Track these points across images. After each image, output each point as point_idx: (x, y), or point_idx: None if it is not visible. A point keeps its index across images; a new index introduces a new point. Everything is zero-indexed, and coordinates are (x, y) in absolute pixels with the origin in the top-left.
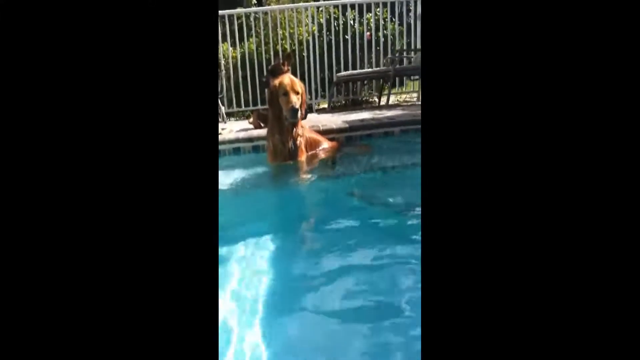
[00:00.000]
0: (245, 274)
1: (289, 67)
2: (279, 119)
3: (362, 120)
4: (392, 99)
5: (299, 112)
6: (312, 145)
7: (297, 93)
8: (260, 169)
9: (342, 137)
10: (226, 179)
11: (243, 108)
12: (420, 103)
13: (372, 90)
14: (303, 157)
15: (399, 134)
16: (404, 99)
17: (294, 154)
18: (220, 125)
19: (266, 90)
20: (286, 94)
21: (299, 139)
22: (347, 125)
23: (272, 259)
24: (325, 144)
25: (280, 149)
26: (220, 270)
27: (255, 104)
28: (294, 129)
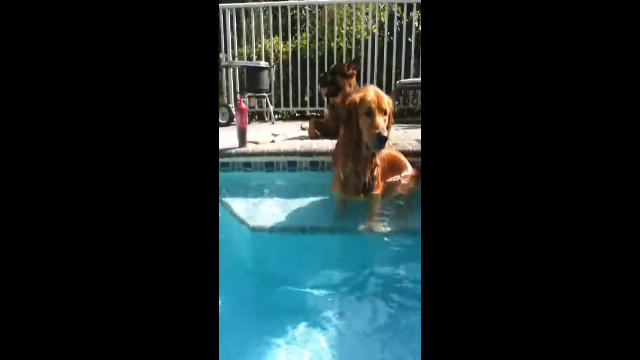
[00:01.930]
0: None
1: (355, 72)
2: (356, 144)
3: None
4: None
5: (387, 139)
6: (393, 168)
7: (385, 113)
8: (319, 199)
9: (419, 163)
10: (273, 208)
11: (291, 107)
12: None
13: None
14: (379, 189)
15: None
16: None
17: (369, 188)
18: (270, 128)
19: (329, 99)
20: (370, 114)
21: (377, 169)
22: None
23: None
24: (409, 169)
25: (353, 182)
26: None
27: (304, 104)
28: (374, 158)
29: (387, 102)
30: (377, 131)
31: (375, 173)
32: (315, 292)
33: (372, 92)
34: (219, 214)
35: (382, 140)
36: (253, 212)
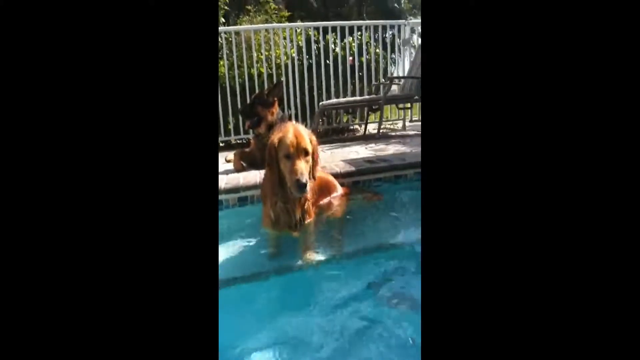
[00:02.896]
0: None
1: (276, 99)
2: (281, 185)
3: (368, 160)
4: (371, 128)
5: (308, 184)
6: (322, 191)
7: (307, 154)
8: (250, 240)
9: (349, 182)
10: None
11: None
12: (409, 132)
13: (356, 118)
14: (311, 217)
15: (412, 177)
16: (388, 127)
17: (300, 223)
18: None
19: (252, 132)
20: (290, 157)
21: (307, 203)
22: (352, 169)
23: None
24: (339, 190)
25: (284, 219)
26: None
27: (227, 133)
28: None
29: (309, 140)
30: (296, 178)
31: (306, 207)
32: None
33: (291, 132)
34: None
35: (301, 187)
36: None
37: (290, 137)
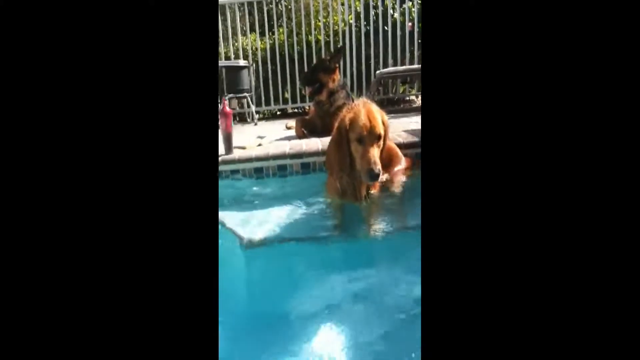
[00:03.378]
0: None
1: (337, 66)
2: (350, 165)
3: None
4: None
5: (380, 173)
6: (390, 161)
7: (379, 139)
8: (316, 205)
9: (412, 153)
10: (267, 218)
11: (272, 106)
12: None
13: (414, 88)
14: (377, 190)
15: None
16: None
17: (366, 196)
18: (254, 130)
19: (312, 100)
20: (362, 141)
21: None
22: (416, 139)
23: None
24: (403, 162)
25: (350, 193)
26: None
27: (285, 101)
28: None
29: (381, 122)
30: (368, 167)
31: (385, 152)
32: (319, 303)
33: (364, 113)
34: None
35: (373, 177)
36: (246, 224)
37: (363, 120)
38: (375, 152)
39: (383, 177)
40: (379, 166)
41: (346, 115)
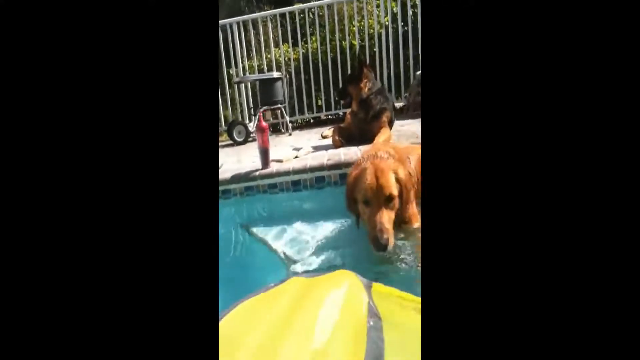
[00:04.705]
0: None
1: (365, 73)
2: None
3: None
4: None
5: (389, 242)
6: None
7: (391, 200)
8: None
9: None
10: (304, 235)
11: (306, 115)
12: None
13: None
14: (417, 220)
15: None
16: None
17: (406, 228)
18: (288, 140)
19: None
20: (368, 203)
21: (410, 208)
22: None
23: None
24: None
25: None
26: None
27: (318, 109)
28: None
29: (394, 180)
30: (373, 235)
31: (409, 213)
32: None
33: (370, 171)
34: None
35: (380, 247)
36: (285, 242)
37: (369, 179)
38: (384, 217)
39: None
40: (386, 235)
41: (352, 172)
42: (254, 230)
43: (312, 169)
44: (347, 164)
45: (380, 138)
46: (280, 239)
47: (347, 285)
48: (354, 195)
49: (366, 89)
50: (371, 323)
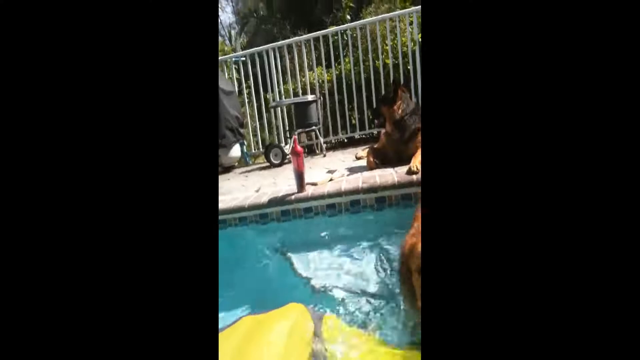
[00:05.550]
0: None
1: (400, 94)
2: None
3: None
4: None
5: None
6: None
7: None
8: (390, 257)
9: None
10: (337, 262)
11: (340, 135)
12: None
13: None
14: None
15: None
16: None
17: None
18: (323, 161)
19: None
20: None
21: None
22: None
23: None
24: None
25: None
26: None
27: (352, 129)
28: None
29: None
30: None
31: None
32: None
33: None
34: (283, 270)
35: None
36: (316, 268)
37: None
38: None
39: None
40: None
41: (408, 240)
42: (290, 255)
43: (347, 193)
44: (383, 187)
45: (417, 159)
46: (308, 268)
47: (294, 317)
48: (408, 264)
49: (399, 111)
50: (316, 350)
